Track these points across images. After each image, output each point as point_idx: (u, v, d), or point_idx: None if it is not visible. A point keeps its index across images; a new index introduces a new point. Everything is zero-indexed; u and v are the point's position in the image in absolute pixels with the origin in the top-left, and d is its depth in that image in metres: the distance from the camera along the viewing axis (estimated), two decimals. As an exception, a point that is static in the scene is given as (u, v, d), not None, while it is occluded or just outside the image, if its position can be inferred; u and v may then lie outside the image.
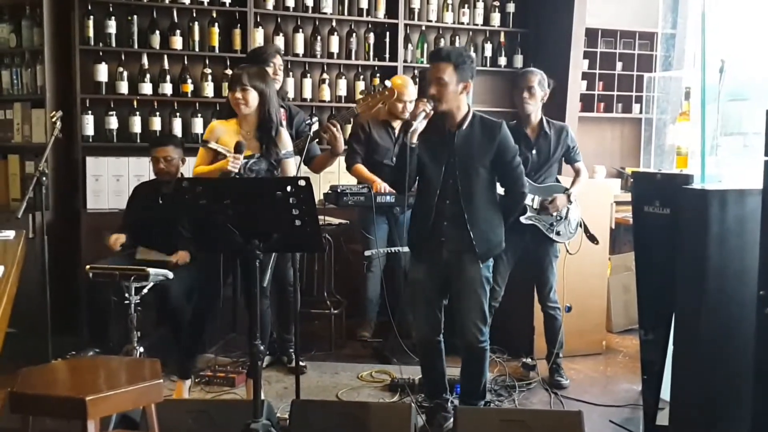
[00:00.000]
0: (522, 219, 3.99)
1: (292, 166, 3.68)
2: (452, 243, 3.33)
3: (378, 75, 5.63)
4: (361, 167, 4.64)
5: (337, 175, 5.21)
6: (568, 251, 4.21)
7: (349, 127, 5.14)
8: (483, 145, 3.31)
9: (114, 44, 5.02)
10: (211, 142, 3.58)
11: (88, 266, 3.72)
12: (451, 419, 3.49)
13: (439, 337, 3.50)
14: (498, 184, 3.50)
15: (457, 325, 3.44)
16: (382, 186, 4.41)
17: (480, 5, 5.91)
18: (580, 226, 4.22)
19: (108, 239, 4.30)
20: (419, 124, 3.26)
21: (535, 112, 4.06)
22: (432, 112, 3.26)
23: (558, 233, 4.10)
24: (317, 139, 4.18)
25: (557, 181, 4.17)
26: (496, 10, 5.95)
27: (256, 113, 3.57)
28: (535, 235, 4.09)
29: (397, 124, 4.71)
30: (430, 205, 3.32)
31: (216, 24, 5.22)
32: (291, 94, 5.35)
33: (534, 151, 4.05)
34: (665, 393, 3.30)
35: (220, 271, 3.68)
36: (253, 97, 3.52)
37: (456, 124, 3.32)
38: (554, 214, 4.05)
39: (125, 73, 5.04)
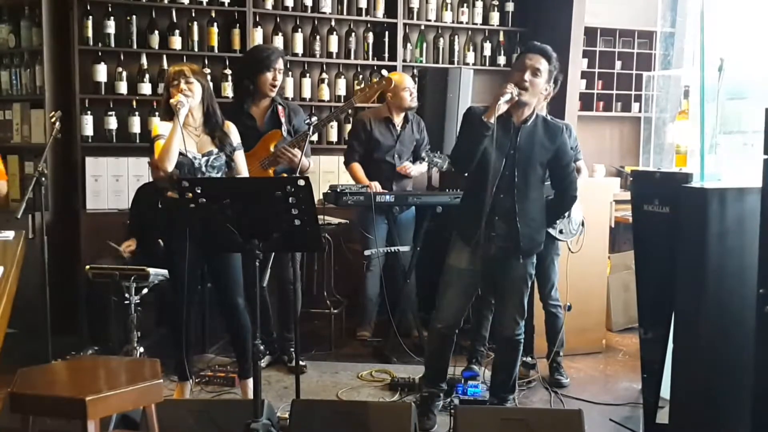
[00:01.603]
0: None
1: (243, 158, 3.68)
2: (502, 239, 3.34)
3: (377, 74, 5.62)
4: (357, 167, 4.64)
5: (336, 174, 5.22)
6: (570, 249, 4.21)
7: (346, 128, 5.15)
8: (544, 143, 3.35)
9: (113, 44, 5.02)
10: (166, 135, 3.46)
11: (88, 266, 3.73)
12: (440, 403, 3.62)
13: (456, 330, 3.54)
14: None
15: (495, 317, 3.57)
16: (377, 189, 4.43)
17: (479, 4, 5.91)
18: (583, 225, 4.22)
19: (121, 247, 4.30)
20: (504, 104, 3.21)
21: (538, 111, 4.05)
22: (517, 98, 3.24)
23: (561, 231, 4.10)
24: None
25: None
26: (495, 9, 5.95)
27: (199, 109, 3.54)
28: None
29: (398, 121, 4.71)
30: (488, 197, 3.29)
31: (215, 24, 5.22)
32: (290, 94, 5.35)
33: None
34: (665, 391, 3.30)
35: (191, 272, 3.60)
36: (198, 88, 3.49)
37: (522, 118, 3.34)
38: None
39: (124, 73, 5.04)
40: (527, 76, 3.25)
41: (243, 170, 3.66)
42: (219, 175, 3.54)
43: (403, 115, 4.72)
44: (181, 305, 3.60)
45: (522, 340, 3.55)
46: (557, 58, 3.38)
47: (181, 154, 3.44)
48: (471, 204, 3.41)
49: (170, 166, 3.39)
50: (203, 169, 3.50)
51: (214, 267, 3.65)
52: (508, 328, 3.49)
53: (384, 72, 4.26)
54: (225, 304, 3.66)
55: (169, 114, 3.47)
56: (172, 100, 3.41)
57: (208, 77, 3.63)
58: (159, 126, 3.53)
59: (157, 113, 5.05)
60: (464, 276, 3.43)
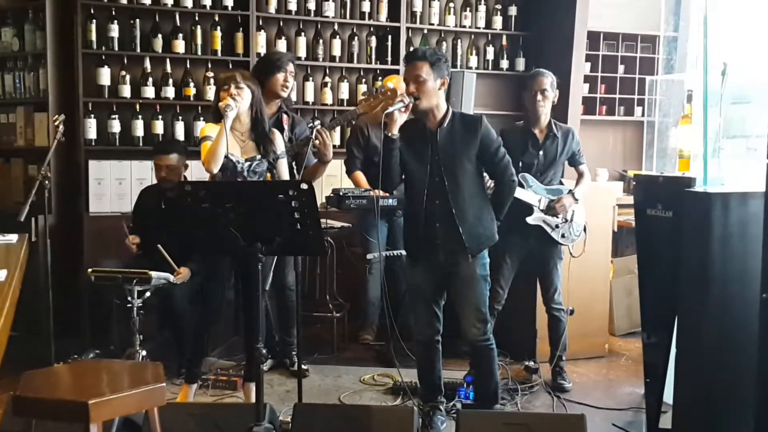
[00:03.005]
0: (528, 220, 4.01)
1: (285, 166, 3.71)
2: (447, 244, 3.34)
3: (380, 78, 5.63)
4: (360, 176, 4.63)
5: (339, 178, 5.21)
6: (571, 254, 4.20)
7: (348, 132, 5.13)
8: (466, 139, 3.34)
9: (116, 48, 5.02)
10: (213, 137, 3.49)
11: (90, 269, 3.73)
12: (443, 418, 3.53)
13: (437, 336, 3.51)
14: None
15: (459, 324, 3.45)
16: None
17: (482, 8, 5.92)
18: (585, 230, 4.22)
19: (126, 240, 4.28)
20: (398, 114, 3.28)
21: (545, 114, 4.06)
22: (411, 104, 3.28)
23: (563, 236, 4.10)
24: (316, 139, 4.12)
25: (561, 183, 4.17)
26: (498, 13, 5.96)
27: (248, 114, 3.58)
28: (540, 238, 4.09)
29: None
30: (420, 207, 3.35)
31: (218, 28, 5.23)
32: (294, 98, 5.35)
33: (541, 153, 4.06)
34: (668, 396, 3.30)
35: (224, 276, 3.67)
36: (247, 94, 3.53)
37: (437, 122, 3.35)
38: (561, 215, 4.05)
39: (128, 77, 5.04)
40: (411, 87, 3.28)
41: (284, 178, 3.67)
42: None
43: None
44: (208, 315, 3.69)
45: (492, 347, 3.44)
46: (437, 50, 3.37)
47: (225, 157, 3.47)
48: (408, 219, 3.48)
49: (215, 168, 3.44)
50: (245, 173, 3.54)
51: (246, 267, 3.65)
52: (469, 332, 3.41)
53: (390, 85, 4.25)
54: (249, 303, 3.67)
55: (218, 117, 3.51)
56: (221, 104, 3.46)
57: (257, 82, 3.65)
58: (207, 128, 3.57)
59: (160, 116, 5.09)
60: (424, 289, 3.45)
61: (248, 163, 3.55)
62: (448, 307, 3.54)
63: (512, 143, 4.03)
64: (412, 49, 3.36)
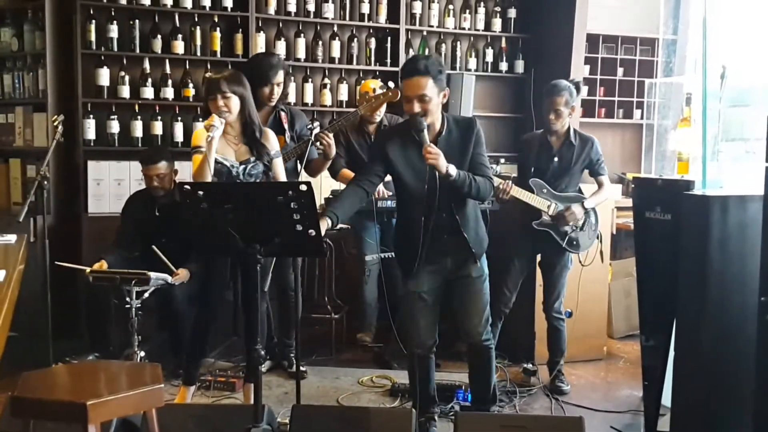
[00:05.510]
0: (534, 224, 3.99)
1: (281, 165, 3.70)
2: (456, 253, 3.28)
3: (379, 80, 5.62)
4: (347, 171, 4.61)
5: (337, 179, 5.22)
6: (581, 263, 4.19)
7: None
8: (463, 144, 3.22)
9: (116, 48, 5.02)
10: (203, 147, 3.45)
11: (88, 270, 3.72)
12: (436, 429, 3.51)
13: (435, 348, 3.46)
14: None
15: (461, 327, 3.41)
16: (381, 190, 4.41)
17: (481, 11, 5.92)
18: (598, 238, 4.20)
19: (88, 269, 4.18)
20: (426, 137, 3.11)
21: (560, 127, 4.05)
22: (427, 126, 3.12)
23: (573, 244, 4.08)
24: (318, 142, 4.13)
25: (580, 191, 4.15)
26: (498, 15, 5.96)
27: (238, 118, 3.55)
28: (549, 243, 4.08)
29: (372, 128, 4.65)
30: (418, 220, 3.20)
31: (218, 28, 5.22)
32: (293, 99, 5.36)
33: (556, 159, 4.05)
34: (666, 399, 3.30)
35: (223, 277, 3.67)
36: (235, 103, 3.49)
37: (434, 134, 3.20)
38: (570, 224, 4.03)
39: (127, 78, 5.04)
40: (416, 107, 3.09)
41: (280, 178, 3.65)
42: None
43: (374, 125, 4.64)
44: (207, 316, 3.68)
45: (492, 347, 3.43)
46: (436, 61, 3.17)
47: (218, 162, 3.47)
48: (404, 230, 3.34)
49: None
50: (241, 177, 3.53)
51: (246, 268, 3.63)
52: (475, 334, 3.36)
53: (391, 84, 4.23)
54: (249, 304, 3.67)
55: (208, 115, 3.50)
56: (205, 123, 3.44)
57: (246, 82, 3.60)
58: (198, 135, 3.55)
59: (159, 117, 5.10)
60: (426, 297, 3.34)
61: (243, 167, 3.54)
62: (446, 308, 3.51)
63: (528, 148, 4.06)
64: (410, 57, 3.13)
